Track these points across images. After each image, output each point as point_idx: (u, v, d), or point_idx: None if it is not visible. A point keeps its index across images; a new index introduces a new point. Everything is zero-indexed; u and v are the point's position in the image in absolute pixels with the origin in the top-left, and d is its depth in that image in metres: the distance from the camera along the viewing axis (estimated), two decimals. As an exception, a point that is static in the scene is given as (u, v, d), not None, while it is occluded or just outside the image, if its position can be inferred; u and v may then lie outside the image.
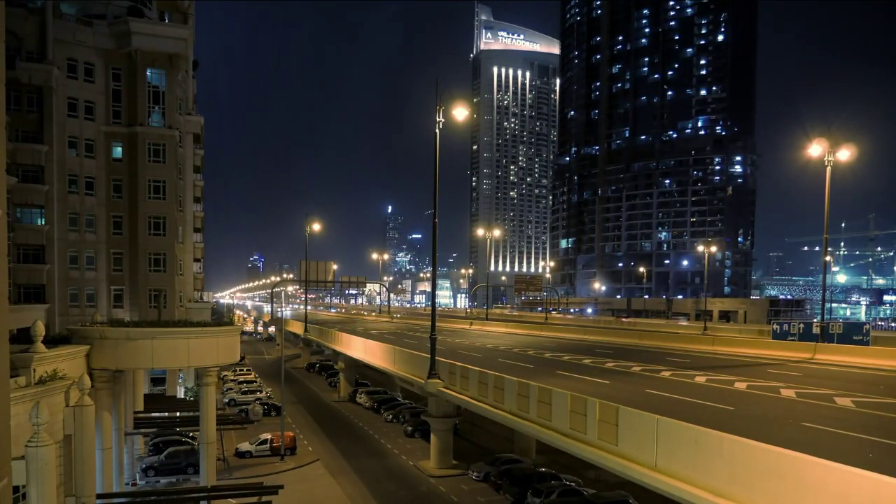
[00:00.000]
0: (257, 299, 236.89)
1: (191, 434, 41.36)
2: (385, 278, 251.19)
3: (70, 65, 43.92)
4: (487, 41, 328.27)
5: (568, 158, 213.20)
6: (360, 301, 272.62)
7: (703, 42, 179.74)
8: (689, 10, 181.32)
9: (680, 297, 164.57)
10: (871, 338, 46.44)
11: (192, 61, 60.71)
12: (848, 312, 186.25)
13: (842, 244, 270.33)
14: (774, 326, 54.28)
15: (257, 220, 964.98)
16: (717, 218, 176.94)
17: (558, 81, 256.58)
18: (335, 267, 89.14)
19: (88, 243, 45.15)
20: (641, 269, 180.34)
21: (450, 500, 35.64)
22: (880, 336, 54.26)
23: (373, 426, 54.76)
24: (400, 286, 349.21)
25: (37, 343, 22.75)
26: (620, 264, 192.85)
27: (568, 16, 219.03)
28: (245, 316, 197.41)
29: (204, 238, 68.20)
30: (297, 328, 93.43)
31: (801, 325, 50.78)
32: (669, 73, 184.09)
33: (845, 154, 41.95)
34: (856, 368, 36.68)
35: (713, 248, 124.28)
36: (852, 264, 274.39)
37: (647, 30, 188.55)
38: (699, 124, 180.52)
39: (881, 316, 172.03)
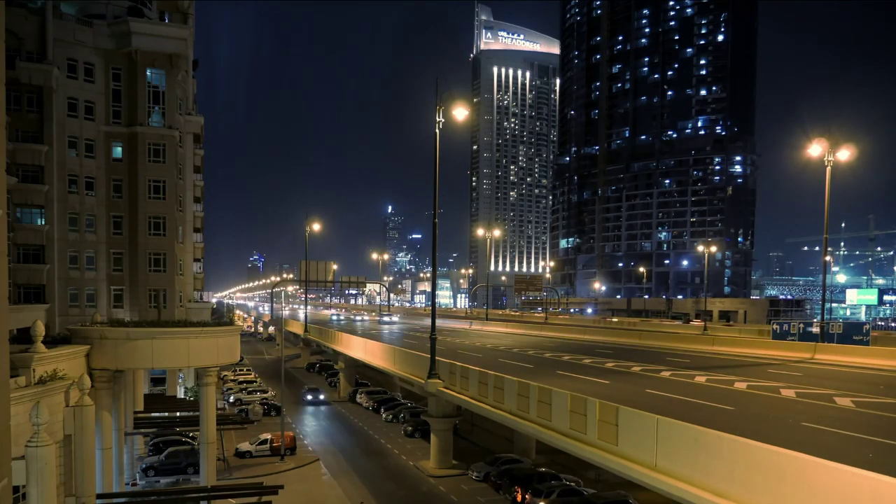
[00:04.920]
0: (257, 299, 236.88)
1: (191, 434, 41.34)
2: (385, 278, 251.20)
3: (70, 65, 43.86)
4: (487, 41, 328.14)
5: (568, 158, 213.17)
6: (360, 301, 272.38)
7: (703, 42, 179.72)
8: (689, 10, 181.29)
9: (680, 297, 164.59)
10: (871, 338, 46.45)
11: (192, 61, 60.66)
12: (848, 312, 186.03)
13: (842, 244, 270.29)
14: (774, 326, 54.30)
15: (257, 220, 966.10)
16: (717, 218, 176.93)
17: (558, 81, 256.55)
18: (335, 267, 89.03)
19: (88, 243, 45.10)
20: (641, 269, 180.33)
21: (450, 500, 35.63)
22: (880, 336, 54.28)
23: (373, 426, 54.76)
24: (400, 286, 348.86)
25: (37, 343, 22.74)
26: (620, 264, 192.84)
27: (568, 16, 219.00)
28: (245, 316, 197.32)
29: (204, 238, 68.12)
30: (297, 328, 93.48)
31: (801, 325, 50.79)
32: (669, 73, 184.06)
33: (845, 154, 41.99)
34: (856, 368, 36.70)
35: (713, 248, 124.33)
36: (852, 264, 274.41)
37: (647, 30, 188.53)
38: (699, 124, 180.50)
39: (881, 316, 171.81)
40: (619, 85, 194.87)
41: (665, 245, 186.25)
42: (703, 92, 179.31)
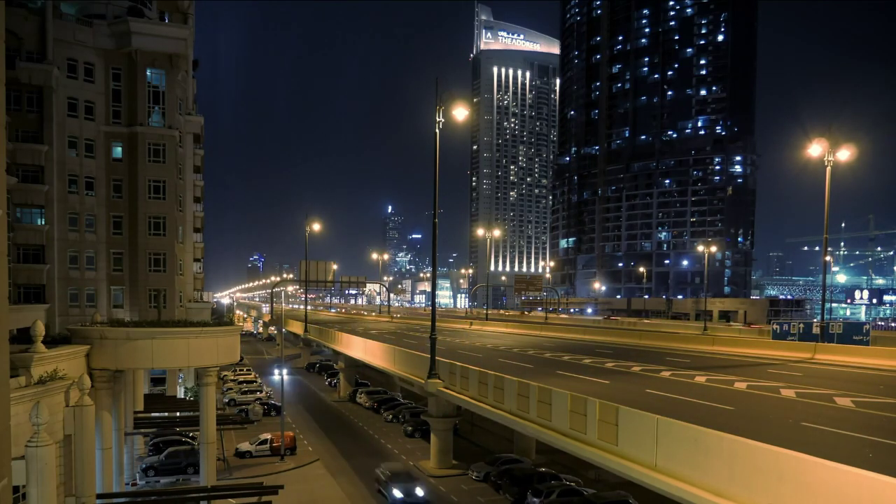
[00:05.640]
0: (257, 299, 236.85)
1: (191, 434, 41.36)
2: (385, 278, 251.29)
3: (70, 65, 43.85)
4: (487, 41, 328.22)
5: (568, 158, 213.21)
6: (360, 301, 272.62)
7: (702, 42, 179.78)
8: (689, 10, 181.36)
9: (680, 297, 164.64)
10: (871, 338, 46.46)
11: (192, 61, 60.66)
12: (848, 312, 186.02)
13: (842, 244, 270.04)
14: (774, 326, 54.30)
15: (257, 220, 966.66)
16: (717, 218, 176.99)
17: (558, 81, 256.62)
18: (335, 267, 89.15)
19: (88, 243, 45.10)
20: (641, 269, 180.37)
21: (450, 500, 35.63)
22: (880, 336, 54.28)
23: (373, 426, 54.76)
24: (400, 286, 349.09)
25: (37, 343, 22.74)
26: (620, 264, 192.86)
27: (568, 16, 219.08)
28: (245, 316, 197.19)
29: (204, 238, 68.16)
30: (297, 328, 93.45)
31: (801, 325, 50.82)
32: (669, 73, 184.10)
33: (845, 154, 41.98)
34: (856, 368, 36.69)
35: (713, 248, 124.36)
36: (852, 264, 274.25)
37: (647, 30, 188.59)
38: (699, 124, 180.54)
39: (881, 316, 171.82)
40: (619, 85, 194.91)
41: (665, 245, 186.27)
42: (703, 92, 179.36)
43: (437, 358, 35.51)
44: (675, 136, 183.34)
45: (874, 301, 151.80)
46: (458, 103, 34.24)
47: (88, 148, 44.97)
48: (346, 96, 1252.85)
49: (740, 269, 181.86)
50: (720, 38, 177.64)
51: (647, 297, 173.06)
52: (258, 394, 63.78)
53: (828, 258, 62.23)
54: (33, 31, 42.29)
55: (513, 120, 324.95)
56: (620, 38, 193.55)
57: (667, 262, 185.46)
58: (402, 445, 47.91)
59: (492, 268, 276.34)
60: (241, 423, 46.59)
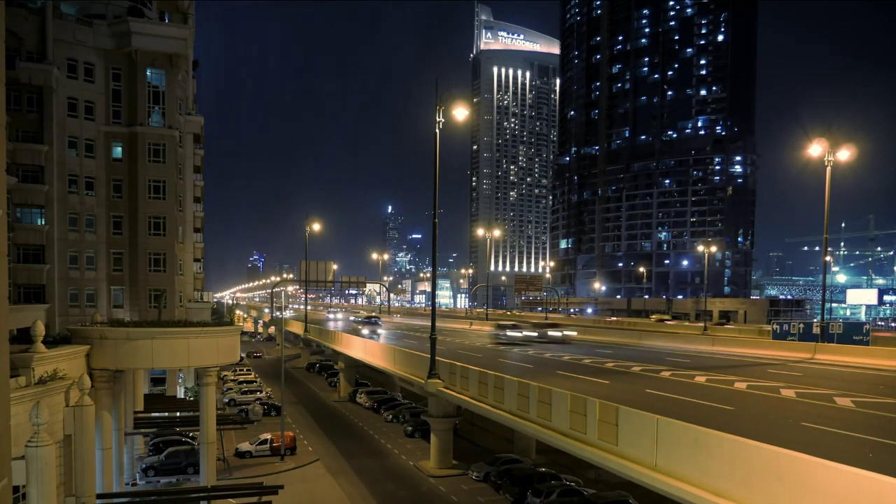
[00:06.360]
0: (257, 299, 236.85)
1: (191, 434, 41.36)
2: (385, 278, 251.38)
3: (70, 65, 43.86)
4: (487, 41, 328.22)
5: (568, 158, 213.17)
6: (360, 301, 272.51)
7: (702, 42, 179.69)
8: (689, 10, 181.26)
9: (680, 297, 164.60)
10: (871, 338, 46.45)
11: (192, 61, 60.66)
12: (848, 312, 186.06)
13: (842, 244, 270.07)
14: (774, 326, 54.30)
15: (257, 220, 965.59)
16: (717, 218, 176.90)
17: (558, 81, 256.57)
18: (335, 267, 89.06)
19: (88, 243, 45.10)
20: (641, 269, 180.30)
21: (450, 500, 35.64)
22: (880, 336, 54.25)
23: (373, 426, 54.77)
24: (400, 286, 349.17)
25: (37, 343, 22.74)
26: (620, 264, 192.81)
27: (568, 16, 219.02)
28: (245, 316, 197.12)
29: (204, 238, 68.16)
30: (297, 328, 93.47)
31: (801, 325, 50.80)
32: (669, 73, 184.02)
33: (845, 154, 42.00)
34: (856, 368, 36.71)
35: (713, 248, 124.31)
36: (852, 264, 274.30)
37: (647, 30, 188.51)
38: (699, 124, 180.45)
39: (881, 316, 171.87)
40: (619, 85, 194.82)
41: (665, 245, 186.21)
42: (703, 92, 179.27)
43: (437, 358, 35.51)
44: (675, 136, 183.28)
45: (864, 297, 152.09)
46: (458, 103, 34.23)
47: (88, 148, 44.98)
48: (347, 96, 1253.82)
49: (740, 269, 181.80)
50: (720, 38, 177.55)
51: (647, 297, 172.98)
52: (258, 394, 63.80)
53: (828, 258, 62.19)
54: (33, 31, 42.28)
55: (513, 120, 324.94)
56: (620, 38, 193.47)
57: (667, 262, 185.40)
58: (402, 445, 47.92)
59: (492, 268, 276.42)
60: (241, 423, 46.60)
